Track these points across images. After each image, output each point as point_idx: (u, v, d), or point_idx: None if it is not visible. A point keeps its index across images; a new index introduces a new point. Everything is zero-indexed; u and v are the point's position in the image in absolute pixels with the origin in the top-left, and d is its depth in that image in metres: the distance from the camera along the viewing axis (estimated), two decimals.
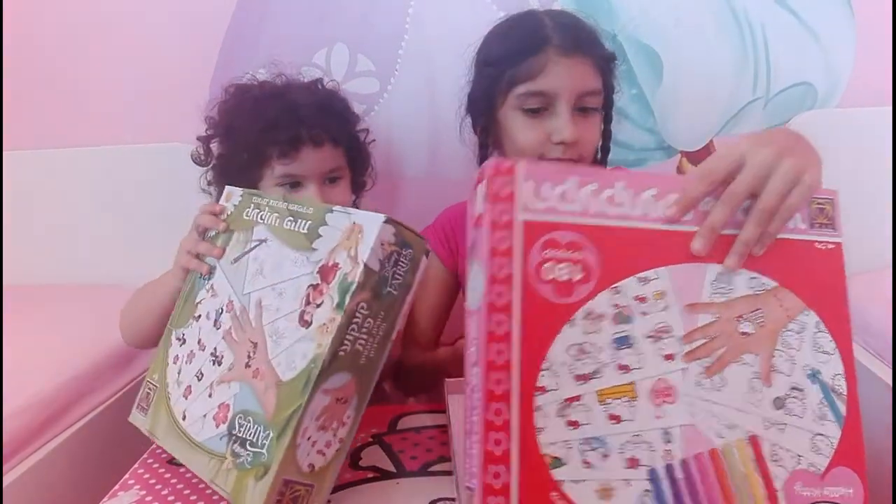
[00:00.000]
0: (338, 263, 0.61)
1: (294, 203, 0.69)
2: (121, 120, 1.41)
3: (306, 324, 0.60)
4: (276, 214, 0.70)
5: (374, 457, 0.69)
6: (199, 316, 0.72)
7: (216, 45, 1.35)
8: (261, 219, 0.71)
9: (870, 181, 1.29)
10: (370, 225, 0.60)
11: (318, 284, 0.61)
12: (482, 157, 1.00)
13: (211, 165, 1.08)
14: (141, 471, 0.74)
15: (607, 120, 1.00)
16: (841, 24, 1.29)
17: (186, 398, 0.67)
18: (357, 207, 1.18)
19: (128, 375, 1.12)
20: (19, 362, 1.01)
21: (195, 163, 1.10)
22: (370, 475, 0.70)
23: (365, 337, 0.60)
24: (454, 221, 1.07)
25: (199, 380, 0.67)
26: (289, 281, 0.64)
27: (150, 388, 0.74)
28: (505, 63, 0.92)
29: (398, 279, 0.62)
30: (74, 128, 1.42)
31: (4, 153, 1.43)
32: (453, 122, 1.37)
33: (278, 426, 0.58)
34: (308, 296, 0.61)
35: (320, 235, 0.64)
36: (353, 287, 0.59)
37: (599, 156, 0.99)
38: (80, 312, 1.25)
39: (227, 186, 0.82)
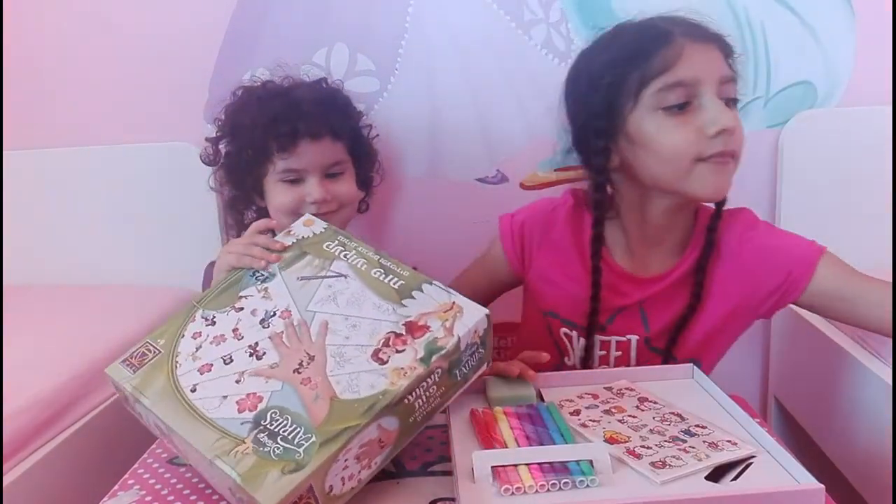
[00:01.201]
0: (429, 326, 0.68)
1: (386, 258, 0.77)
2: (121, 120, 1.41)
3: (381, 361, 0.66)
4: (363, 260, 0.77)
5: None
6: (242, 308, 0.76)
7: (216, 45, 1.35)
8: (344, 256, 0.78)
9: (870, 181, 1.29)
10: (473, 312, 0.69)
11: (402, 335, 0.68)
12: (600, 185, 0.88)
13: (219, 165, 1.10)
14: (141, 471, 0.74)
15: None
16: (841, 23, 1.29)
17: (202, 374, 0.70)
18: (367, 205, 1.22)
19: None
20: (19, 362, 1.01)
21: (204, 163, 1.13)
22: None
23: (425, 399, 0.66)
24: (534, 227, 0.97)
25: (226, 364, 0.70)
26: (368, 319, 0.70)
27: (148, 350, 0.75)
28: (627, 64, 0.82)
29: (466, 369, 0.70)
30: (74, 128, 1.42)
31: (4, 153, 1.43)
32: (453, 122, 1.38)
33: (326, 435, 0.61)
34: (388, 339, 0.68)
35: (413, 297, 0.71)
36: (442, 352, 0.66)
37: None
38: (81, 312, 1.25)
39: (307, 215, 0.87)
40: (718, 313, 0.90)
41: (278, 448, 0.61)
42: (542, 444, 0.67)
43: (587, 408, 0.75)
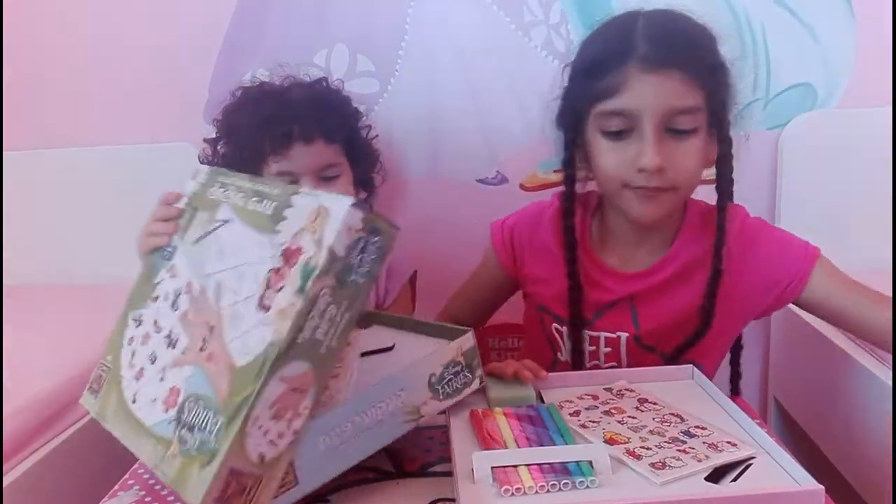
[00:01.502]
0: (301, 247, 0.57)
1: (260, 182, 0.66)
2: (121, 120, 1.41)
3: (265, 308, 0.57)
4: (241, 194, 0.67)
5: (374, 457, 0.69)
6: (157, 297, 0.69)
7: (216, 46, 1.35)
8: (226, 198, 0.68)
9: (870, 182, 1.29)
10: (337, 208, 0.56)
11: (280, 268, 0.58)
12: (569, 177, 0.90)
13: (217, 166, 1.10)
14: (141, 471, 0.74)
15: (726, 140, 0.88)
16: (841, 24, 1.29)
17: (138, 380, 0.65)
18: (370, 206, 1.20)
19: None
20: (19, 362, 1.01)
21: (202, 164, 1.12)
22: (370, 475, 0.70)
23: (326, 325, 0.57)
24: (523, 232, 0.99)
25: (153, 363, 0.65)
26: (250, 264, 0.60)
27: (102, 370, 0.71)
28: (586, 77, 0.84)
29: (364, 267, 0.58)
30: (74, 128, 1.42)
31: (4, 153, 1.43)
32: (453, 122, 1.38)
33: (228, 413, 0.54)
34: (269, 280, 0.58)
35: (285, 217, 0.60)
36: (316, 272, 0.55)
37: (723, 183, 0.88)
38: (80, 312, 1.25)
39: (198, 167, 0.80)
40: (721, 314, 0.89)
41: (195, 441, 0.56)
42: (542, 445, 0.67)
43: (587, 409, 0.75)
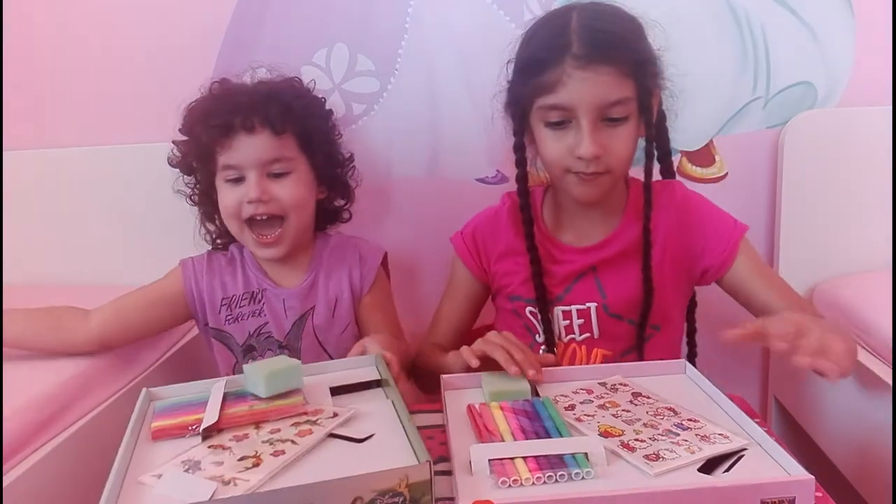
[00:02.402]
0: None
1: None
2: (121, 120, 1.41)
3: None
4: None
5: None
6: None
7: (216, 46, 1.35)
8: None
9: (870, 181, 1.29)
10: None
11: None
12: (520, 160, 0.98)
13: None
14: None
15: (660, 124, 0.99)
16: (841, 23, 1.29)
17: None
18: (349, 214, 1.17)
19: (128, 375, 1.12)
20: (19, 362, 1.01)
21: (171, 165, 1.13)
22: None
23: None
24: (484, 234, 1.06)
25: None
26: None
27: None
28: (527, 73, 0.91)
29: None
30: (75, 128, 1.42)
31: (4, 153, 1.43)
32: (453, 121, 1.38)
33: None
34: None
35: None
36: None
37: (655, 160, 0.97)
38: None
39: None
40: (666, 273, 0.98)
41: None
42: (538, 438, 0.67)
43: (581, 403, 0.77)
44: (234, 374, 1.04)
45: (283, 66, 1.14)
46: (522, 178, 0.99)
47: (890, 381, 0.97)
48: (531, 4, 1.30)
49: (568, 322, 1.00)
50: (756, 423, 0.70)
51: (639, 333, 0.98)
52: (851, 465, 1.08)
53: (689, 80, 1.30)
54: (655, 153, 0.97)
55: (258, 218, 1.03)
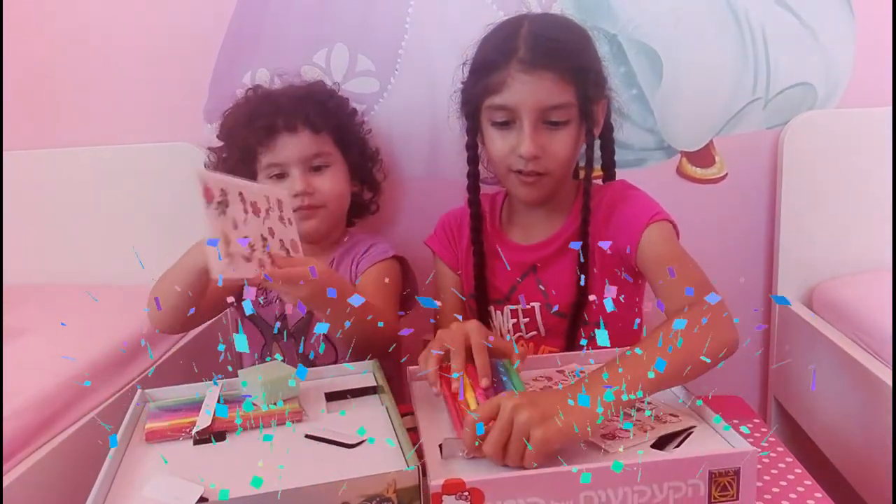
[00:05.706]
0: None
1: None
2: (121, 120, 1.41)
3: None
4: None
5: None
6: None
7: (216, 46, 1.35)
8: None
9: (870, 182, 1.29)
10: None
11: None
12: (471, 157, 1.03)
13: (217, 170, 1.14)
14: None
15: (605, 134, 1.03)
16: (841, 24, 1.29)
17: None
18: (377, 206, 1.25)
19: (128, 375, 1.12)
20: (19, 362, 1.01)
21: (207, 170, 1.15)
22: None
23: None
24: (454, 228, 1.11)
25: None
26: None
27: None
28: (477, 74, 0.96)
29: None
30: (74, 128, 1.42)
31: (4, 153, 1.43)
32: (453, 121, 1.37)
33: None
34: None
35: None
36: None
37: (600, 166, 1.00)
38: (81, 312, 1.25)
39: None
40: (602, 269, 0.99)
41: None
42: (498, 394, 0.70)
43: (542, 389, 0.81)
44: (261, 353, 1.11)
45: (283, 71, 1.16)
46: (473, 175, 1.04)
47: (890, 382, 0.97)
48: (531, 5, 1.30)
49: (515, 320, 1.05)
50: (756, 423, 0.70)
51: (570, 333, 1.01)
52: (851, 465, 1.08)
53: (688, 80, 1.31)
54: (597, 159, 1.01)
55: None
